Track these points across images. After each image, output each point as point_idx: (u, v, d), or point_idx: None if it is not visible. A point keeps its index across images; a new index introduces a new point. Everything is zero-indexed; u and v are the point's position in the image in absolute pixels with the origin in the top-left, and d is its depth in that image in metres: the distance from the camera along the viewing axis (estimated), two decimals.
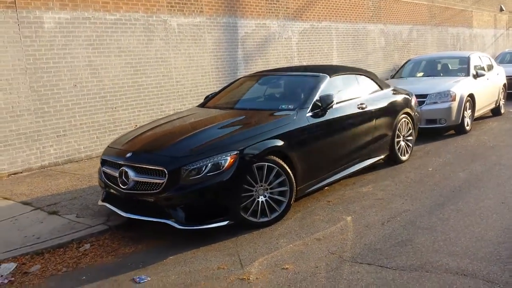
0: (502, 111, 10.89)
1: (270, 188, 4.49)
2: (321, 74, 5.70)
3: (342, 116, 5.48)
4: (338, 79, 5.91)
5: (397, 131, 6.56)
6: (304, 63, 13.75)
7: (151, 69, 9.55)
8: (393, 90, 6.83)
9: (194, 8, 10.36)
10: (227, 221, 4.18)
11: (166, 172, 4.07)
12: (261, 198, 4.43)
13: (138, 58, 9.32)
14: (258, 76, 6.42)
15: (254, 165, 4.33)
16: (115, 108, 8.88)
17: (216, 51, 10.97)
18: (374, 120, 6.04)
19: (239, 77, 6.86)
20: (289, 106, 5.18)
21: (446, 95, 8.37)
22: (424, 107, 8.34)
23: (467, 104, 8.70)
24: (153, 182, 4.12)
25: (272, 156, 4.46)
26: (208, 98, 6.32)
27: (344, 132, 5.54)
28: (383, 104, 6.32)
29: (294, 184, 4.62)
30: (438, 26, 21.18)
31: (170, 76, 9.92)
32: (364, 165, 5.93)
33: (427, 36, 20.39)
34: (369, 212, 4.68)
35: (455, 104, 8.37)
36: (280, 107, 5.24)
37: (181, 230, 4.12)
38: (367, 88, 6.28)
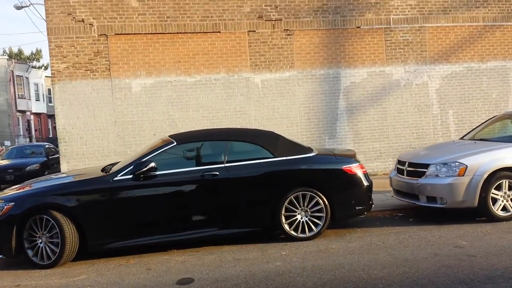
0: None
1: (50, 237, 5.51)
2: (169, 140, 6.07)
3: (165, 182, 5.67)
4: (193, 146, 6.05)
5: (285, 204, 5.88)
6: (451, 112, 11.83)
7: (229, 121, 10.92)
8: (299, 160, 6.07)
9: (282, 65, 11.08)
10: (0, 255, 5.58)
11: None
12: (42, 244, 5.52)
13: (216, 112, 10.89)
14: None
15: (37, 215, 5.48)
16: None
17: (308, 103, 11.22)
18: (232, 190, 5.79)
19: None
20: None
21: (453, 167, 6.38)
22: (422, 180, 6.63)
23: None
24: None
25: (51, 210, 5.47)
26: None
27: (172, 199, 5.71)
28: (257, 173, 5.87)
29: (70, 239, 5.38)
30: None
31: (250, 127, 10.96)
32: (207, 234, 5.78)
33: None
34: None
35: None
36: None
37: None
38: (240, 155, 6.00)
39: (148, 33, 10.33)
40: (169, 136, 6.42)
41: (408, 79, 11.62)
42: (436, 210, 6.83)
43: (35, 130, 42.38)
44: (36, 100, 41.74)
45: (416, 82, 11.66)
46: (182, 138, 6.17)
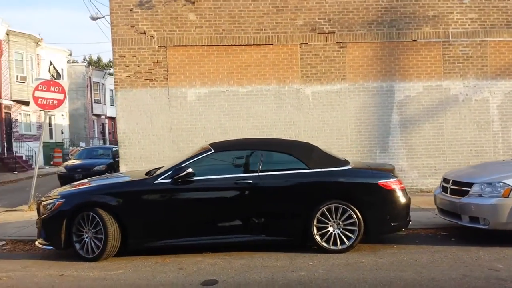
0: None
1: (95, 233, 5.95)
2: (208, 147, 6.35)
3: (202, 187, 5.98)
4: (230, 154, 6.30)
5: (317, 216, 5.95)
6: None
7: (278, 131, 11.09)
8: (333, 172, 6.12)
9: (334, 77, 11.11)
10: (51, 247, 6.05)
11: None
12: (88, 239, 5.97)
13: (266, 122, 11.11)
14: None
15: (85, 212, 5.95)
16: None
17: (359, 116, 11.14)
18: (265, 199, 5.96)
19: None
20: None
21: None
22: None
23: None
24: None
25: (96, 208, 5.92)
26: None
27: (208, 204, 5.99)
28: (289, 184, 6.00)
29: (112, 235, 5.79)
30: None
31: (299, 138, 11.06)
32: (239, 240, 5.98)
33: None
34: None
35: None
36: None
37: None
38: (275, 165, 6.18)
39: (204, 45, 10.79)
40: (208, 144, 6.72)
41: (467, 94, 11.19)
42: (481, 231, 6.55)
43: (109, 133, 45.00)
44: (111, 105, 44.28)
45: (476, 98, 11.20)
46: (220, 146, 6.46)
